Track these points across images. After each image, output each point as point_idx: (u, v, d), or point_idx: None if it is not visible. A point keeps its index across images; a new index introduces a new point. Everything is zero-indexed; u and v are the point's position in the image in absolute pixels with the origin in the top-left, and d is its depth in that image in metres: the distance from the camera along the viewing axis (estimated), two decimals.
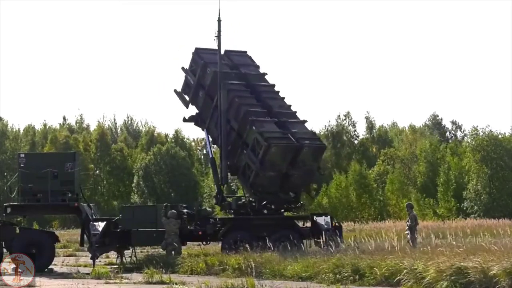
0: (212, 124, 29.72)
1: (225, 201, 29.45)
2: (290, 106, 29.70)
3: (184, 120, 30.65)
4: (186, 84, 30.85)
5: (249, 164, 28.03)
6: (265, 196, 28.50)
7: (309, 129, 29.60)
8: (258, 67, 31.06)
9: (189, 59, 30.85)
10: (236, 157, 28.81)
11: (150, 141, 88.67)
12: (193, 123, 30.65)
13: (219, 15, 29.86)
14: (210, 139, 30.23)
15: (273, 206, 28.77)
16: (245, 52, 31.52)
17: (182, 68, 30.95)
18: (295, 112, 29.53)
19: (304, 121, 29.28)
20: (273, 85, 30.38)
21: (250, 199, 28.74)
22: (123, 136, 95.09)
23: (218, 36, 29.70)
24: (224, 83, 29.01)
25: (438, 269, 17.57)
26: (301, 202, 29.63)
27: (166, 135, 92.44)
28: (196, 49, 30.62)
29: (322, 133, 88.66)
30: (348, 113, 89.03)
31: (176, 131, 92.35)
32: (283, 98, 29.98)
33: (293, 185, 28.52)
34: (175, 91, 31.07)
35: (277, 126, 28.57)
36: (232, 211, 29.31)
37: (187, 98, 30.75)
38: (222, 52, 30.08)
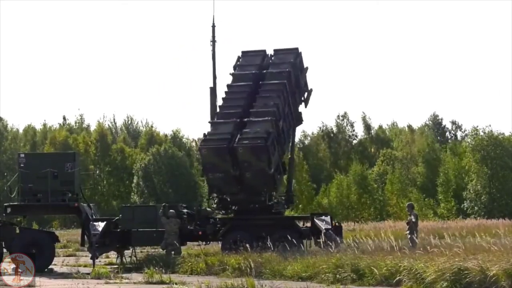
0: None
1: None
2: (276, 104, 29.00)
3: None
4: None
5: None
6: (228, 197, 28.86)
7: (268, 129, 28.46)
8: (292, 64, 30.16)
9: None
10: None
11: (150, 141, 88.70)
12: None
13: (213, 21, 30.08)
14: None
15: (234, 207, 29.00)
16: (295, 49, 30.74)
17: None
18: (273, 111, 28.72)
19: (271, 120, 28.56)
20: (282, 83, 29.62)
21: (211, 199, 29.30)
22: (122, 136, 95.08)
23: (213, 42, 29.95)
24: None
25: (438, 269, 17.59)
26: (275, 201, 29.20)
27: (166, 135, 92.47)
28: (242, 52, 30.55)
29: (318, 133, 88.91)
30: (345, 113, 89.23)
31: (174, 132, 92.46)
32: (279, 96, 29.49)
33: (250, 186, 28.31)
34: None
35: (236, 126, 28.51)
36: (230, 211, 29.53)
37: None
38: (272, 52, 30.19)
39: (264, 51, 30.51)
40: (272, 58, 30.46)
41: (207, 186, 29.31)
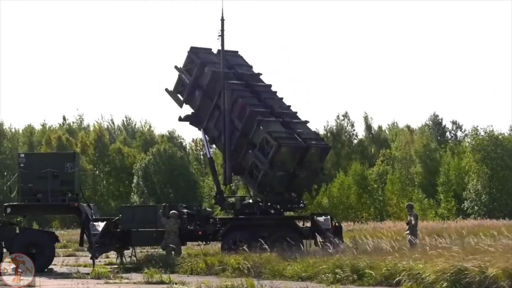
0: (211, 124, 29.59)
1: (226, 201, 29.42)
2: (289, 106, 29.77)
3: (180, 119, 30.36)
4: (181, 83, 30.46)
5: (257, 164, 27.97)
6: (271, 196, 28.47)
7: (312, 129, 29.81)
8: (251, 67, 30.99)
9: (183, 58, 30.52)
10: (241, 157, 28.72)
11: (148, 141, 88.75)
12: (188, 122, 30.47)
13: (222, 15, 29.62)
14: (207, 138, 30.03)
15: (278, 206, 28.78)
16: (237, 52, 31.24)
17: (176, 67, 30.53)
18: (296, 112, 29.63)
19: (306, 122, 29.42)
20: (270, 85, 30.39)
21: (258, 199, 28.70)
22: (122, 137, 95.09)
23: (222, 36, 29.49)
24: (228, 83, 28.97)
25: (438, 270, 17.61)
26: (304, 202, 29.73)
27: (163, 136, 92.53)
28: (192, 48, 30.27)
29: (321, 133, 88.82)
30: (346, 113, 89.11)
31: (170, 132, 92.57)
32: (282, 98, 30.04)
33: (298, 186, 28.63)
34: (167, 90, 30.70)
35: (282, 126, 28.71)
36: (233, 211, 29.29)
37: (180, 97, 30.51)
38: (215, 51, 30.19)
39: (210, 49, 30.48)
40: (226, 58, 30.16)
41: (252, 186, 28.65)
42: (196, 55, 30.00)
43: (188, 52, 30.20)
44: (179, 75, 30.49)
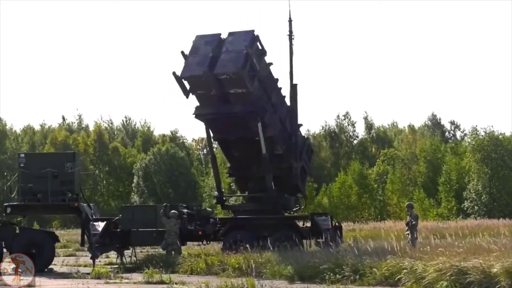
0: (267, 118, 27.79)
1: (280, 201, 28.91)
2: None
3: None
4: (251, 66, 26.92)
5: (304, 167, 29.06)
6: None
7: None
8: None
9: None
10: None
11: (147, 141, 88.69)
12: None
13: (289, 16, 29.34)
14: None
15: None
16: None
17: (247, 47, 26.75)
18: None
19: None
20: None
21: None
22: (121, 137, 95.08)
23: (290, 36, 29.23)
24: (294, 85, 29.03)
25: (438, 269, 17.59)
26: None
27: (164, 136, 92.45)
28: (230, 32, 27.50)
29: (320, 133, 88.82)
30: (347, 113, 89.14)
31: (172, 132, 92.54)
32: None
33: None
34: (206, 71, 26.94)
35: None
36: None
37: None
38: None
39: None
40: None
41: (304, 187, 30.07)
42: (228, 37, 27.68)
43: (256, 34, 27.41)
44: (250, 57, 26.88)
